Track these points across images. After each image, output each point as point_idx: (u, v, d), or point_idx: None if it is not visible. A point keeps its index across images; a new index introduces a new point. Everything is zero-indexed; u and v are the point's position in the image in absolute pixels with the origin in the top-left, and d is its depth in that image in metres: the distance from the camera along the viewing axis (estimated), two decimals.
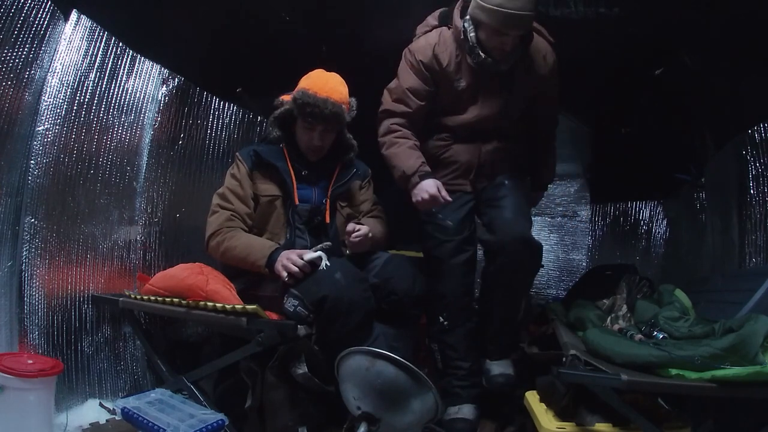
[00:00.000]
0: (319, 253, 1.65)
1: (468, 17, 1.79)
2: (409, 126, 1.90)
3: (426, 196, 1.75)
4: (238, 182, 1.81)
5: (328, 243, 1.72)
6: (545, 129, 2.15)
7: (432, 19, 1.94)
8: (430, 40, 1.87)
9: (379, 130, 1.93)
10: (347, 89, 1.82)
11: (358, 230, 1.74)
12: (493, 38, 1.75)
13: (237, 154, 1.87)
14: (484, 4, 1.69)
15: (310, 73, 1.83)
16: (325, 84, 1.76)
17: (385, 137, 1.89)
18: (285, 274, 1.61)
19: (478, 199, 1.99)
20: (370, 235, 1.78)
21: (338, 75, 1.83)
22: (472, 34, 1.78)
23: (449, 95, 1.90)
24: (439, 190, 1.76)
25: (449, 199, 1.79)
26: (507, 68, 1.84)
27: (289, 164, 1.84)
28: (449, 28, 1.87)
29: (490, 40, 1.77)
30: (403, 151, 1.84)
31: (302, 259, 1.62)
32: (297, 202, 1.81)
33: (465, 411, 1.88)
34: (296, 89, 1.78)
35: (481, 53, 1.79)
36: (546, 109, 2.07)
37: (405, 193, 1.90)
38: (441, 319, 1.90)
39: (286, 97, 1.84)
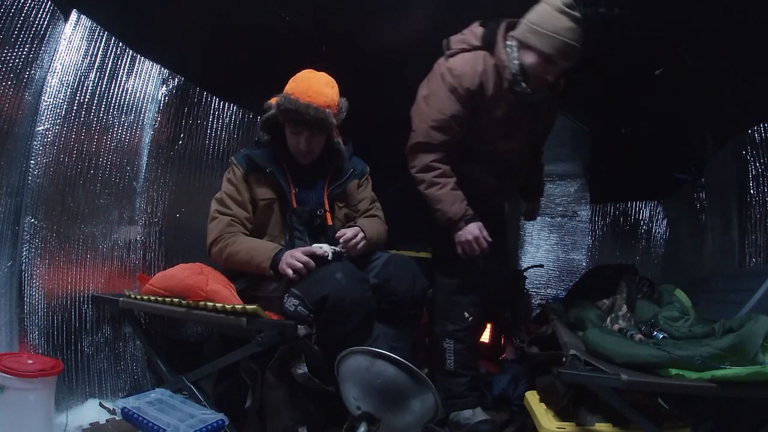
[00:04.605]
0: (325, 248, 1.67)
1: (512, 41, 1.75)
2: (446, 159, 1.83)
3: (470, 237, 1.82)
4: (234, 187, 1.80)
5: (341, 249, 1.72)
6: (540, 153, 2.27)
7: (472, 37, 1.82)
8: (477, 67, 1.77)
9: (412, 162, 1.86)
10: (336, 89, 1.75)
11: (345, 234, 1.74)
12: (540, 66, 1.71)
13: (232, 158, 1.86)
14: (537, 27, 1.66)
15: (297, 74, 1.75)
16: (308, 88, 1.69)
17: (425, 174, 1.83)
18: (290, 271, 1.62)
19: None
20: (361, 235, 1.77)
21: (326, 75, 1.76)
22: (516, 61, 1.74)
23: (483, 124, 1.85)
24: (480, 231, 1.83)
25: (489, 240, 1.85)
26: (538, 101, 1.83)
27: (286, 167, 1.83)
28: (491, 54, 1.79)
29: (535, 68, 1.72)
30: (448, 194, 1.81)
31: (307, 255, 1.63)
32: (294, 206, 1.80)
33: (479, 414, 1.89)
34: (282, 93, 1.73)
35: (522, 83, 1.75)
36: (545, 138, 2.17)
37: (406, 192, 1.94)
38: (467, 315, 1.93)
39: (274, 100, 1.83)
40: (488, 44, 1.79)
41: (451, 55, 1.82)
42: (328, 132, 1.78)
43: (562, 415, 1.50)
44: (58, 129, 1.75)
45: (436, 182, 1.82)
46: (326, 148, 1.83)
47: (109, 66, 1.91)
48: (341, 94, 1.77)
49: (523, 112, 1.85)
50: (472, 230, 1.82)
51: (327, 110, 1.70)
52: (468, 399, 1.91)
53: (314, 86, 1.71)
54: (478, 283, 1.98)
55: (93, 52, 1.84)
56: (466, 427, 1.85)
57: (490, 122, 1.84)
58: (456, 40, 1.85)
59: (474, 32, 1.83)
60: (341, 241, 1.74)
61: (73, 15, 1.77)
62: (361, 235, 1.77)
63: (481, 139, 1.88)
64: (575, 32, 1.65)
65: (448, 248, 1.92)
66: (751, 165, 2.09)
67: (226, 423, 1.50)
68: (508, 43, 1.76)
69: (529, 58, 1.72)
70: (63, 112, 1.76)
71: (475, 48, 1.80)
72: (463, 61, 1.79)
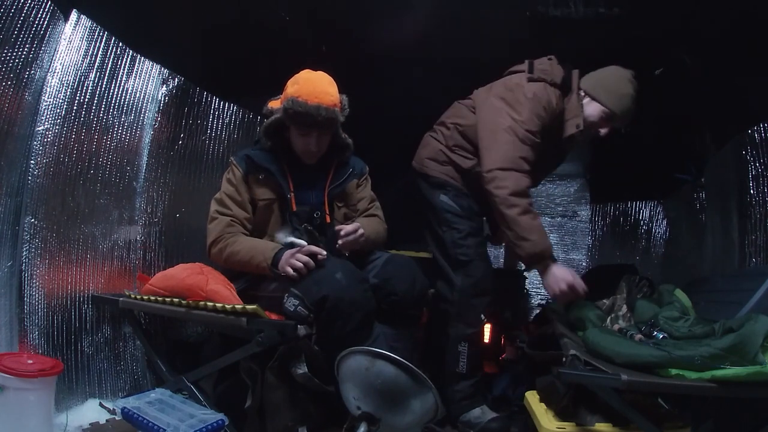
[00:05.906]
0: (291, 238, 1.68)
1: (582, 92, 1.88)
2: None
3: (564, 287, 1.73)
4: (234, 187, 1.80)
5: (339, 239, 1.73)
6: None
7: (555, 73, 1.90)
8: (557, 105, 1.87)
9: (504, 182, 1.74)
10: (336, 88, 1.76)
11: (346, 228, 1.74)
12: (601, 120, 1.86)
13: (231, 158, 1.86)
14: (609, 86, 1.83)
15: (296, 76, 1.75)
16: (314, 89, 1.69)
17: (521, 200, 1.72)
18: (290, 271, 1.62)
19: None
20: (360, 231, 1.77)
21: (325, 74, 1.76)
22: (583, 112, 1.86)
23: None
24: (574, 277, 1.75)
25: (586, 289, 1.75)
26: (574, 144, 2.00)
27: (286, 168, 1.82)
28: (563, 96, 1.89)
29: (595, 120, 1.86)
30: (540, 225, 1.75)
31: (308, 255, 1.63)
32: (294, 205, 1.80)
33: (488, 411, 1.91)
34: (284, 96, 1.73)
35: (581, 132, 1.86)
36: None
37: (406, 191, 1.99)
38: (482, 317, 1.99)
39: (274, 104, 1.81)
40: (566, 89, 1.89)
41: (532, 80, 1.88)
42: (335, 130, 1.79)
43: (562, 415, 1.50)
44: (58, 129, 1.75)
45: (531, 210, 1.74)
46: (330, 145, 1.84)
47: (109, 66, 1.91)
48: (340, 93, 1.78)
49: (556, 148, 1.99)
50: (566, 275, 1.74)
51: (335, 109, 1.72)
52: (476, 398, 1.94)
53: (319, 86, 1.72)
54: (491, 285, 2.01)
55: (93, 52, 1.84)
56: (479, 426, 1.87)
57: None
58: (539, 69, 1.91)
59: (556, 68, 1.92)
60: (342, 234, 1.73)
61: (73, 15, 1.77)
62: (361, 231, 1.77)
63: None
64: (635, 100, 1.83)
65: (468, 250, 1.94)
66: (751, 165, 2.09)
67: (226, 423, 1.50)
68: (581, 92, 1.89)
69: (594, 111, 1.86)
70: (63, 112, 1.76)
71: (554, 85, 1.89)
72: (547, 91, 1.87)
